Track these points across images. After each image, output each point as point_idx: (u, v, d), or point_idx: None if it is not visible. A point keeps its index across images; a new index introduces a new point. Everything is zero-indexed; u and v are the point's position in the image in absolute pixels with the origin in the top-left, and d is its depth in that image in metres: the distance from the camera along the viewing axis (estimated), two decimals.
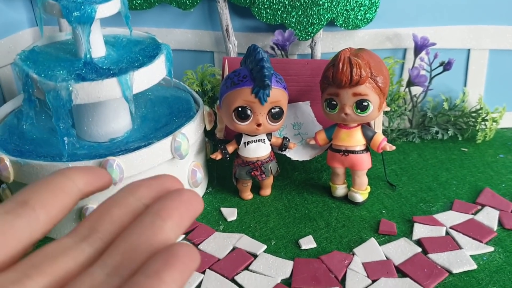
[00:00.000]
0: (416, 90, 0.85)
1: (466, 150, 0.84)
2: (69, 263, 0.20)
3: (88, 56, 0.62)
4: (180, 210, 0.22)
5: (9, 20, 0.86)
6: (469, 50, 0.86)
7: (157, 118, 0.73)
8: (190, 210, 0.23)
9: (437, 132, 0.86)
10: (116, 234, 0.22)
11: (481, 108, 0.85)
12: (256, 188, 0.73)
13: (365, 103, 0.63)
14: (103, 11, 0.61)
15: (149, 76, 0.63)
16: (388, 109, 0.69)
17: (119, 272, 0.20)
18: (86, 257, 0.21)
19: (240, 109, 0.64)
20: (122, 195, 0.23)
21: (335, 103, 0.65)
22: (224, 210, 0.70)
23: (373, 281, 0.57)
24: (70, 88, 0.58)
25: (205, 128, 0.72)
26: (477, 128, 0.85)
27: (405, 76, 0.87)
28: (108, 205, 0.23)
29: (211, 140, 0.77)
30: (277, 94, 0.64)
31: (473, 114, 0.86)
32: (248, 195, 0.73)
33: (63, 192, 0.22)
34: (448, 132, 0.86)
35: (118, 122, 0.68)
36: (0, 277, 0.19)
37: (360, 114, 0.64)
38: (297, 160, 0.71)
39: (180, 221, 0.22)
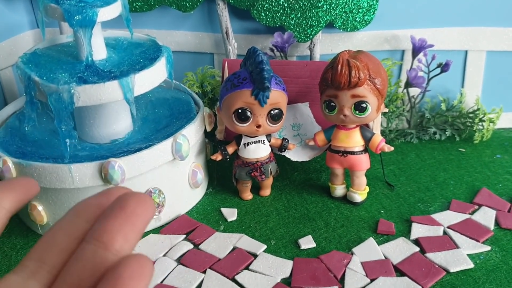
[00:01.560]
0: (414, 91, 0.85)
1: (463, 150, 0.85)
2: None
3: (89, 59, 0.63)
4: (124, 230, 0.20)
5: (10, 22, 0.86)
6: (466, 51, 0.87)
7: (157, 119, 0.73)
8: (137, 225, 0.20)
9: (435, 133, 0.87)
10: (64, 264, 0.20)
11: (478, 109, 0.85)
12: (256, 189, 0.74)
13: (364, 105, 0.64)
14: (104, 14, 0.61)
15: (150, 78, 0.63)
16: (386, 110, 0.70)
17: None
18: None
19: (240, 110, 0.65)
20: (69, 218, 0.21)
21: (334, 104, 0.66)
22: (224, 211, 0.71)
23: (372, 280, 0.58)
24: (72, 91, 0.58)
25: (205, 129, 0.73)
26: (474, 129, 0.86)
27: (403, 78, 0.87)
28: (54, 232, 0.21)
29: (211, 141, 0.78)
30: (277, 96, 0.64)
31: (471, 115, 0.86)
32: (248, 195, 0.74)
33: None
34: (446, 132, 0.86)
35: (119, 123, 0.69)
36: None
37: (358, 116, 0.65)
38: (297, 161, 0.72)
39: (126, 241, 0.20)
